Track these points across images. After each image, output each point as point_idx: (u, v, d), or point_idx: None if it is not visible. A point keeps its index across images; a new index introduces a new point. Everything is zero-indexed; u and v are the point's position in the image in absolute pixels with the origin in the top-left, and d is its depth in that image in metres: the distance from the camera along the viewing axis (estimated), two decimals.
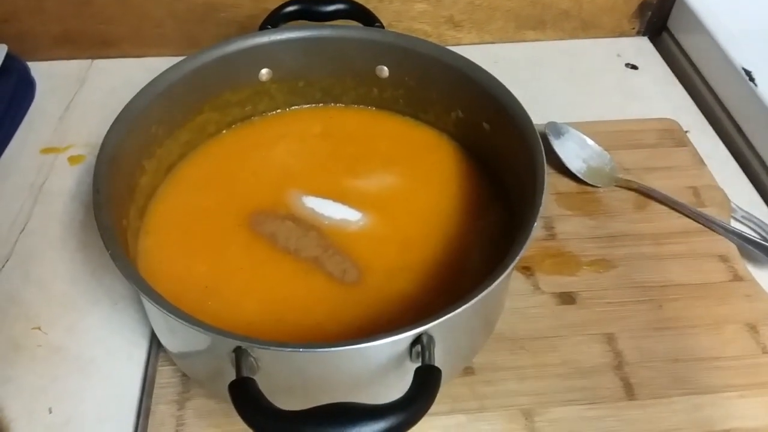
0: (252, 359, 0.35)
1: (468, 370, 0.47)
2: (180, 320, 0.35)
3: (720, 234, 0.56)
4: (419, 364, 0.35)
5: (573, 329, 0.49)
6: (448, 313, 0.35)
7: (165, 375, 0.46)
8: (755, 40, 0.68)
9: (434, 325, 0.35)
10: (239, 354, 0.35)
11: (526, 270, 0.53)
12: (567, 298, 0.51)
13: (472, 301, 0.36)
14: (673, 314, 0.51)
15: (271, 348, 0.34)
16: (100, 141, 0.46)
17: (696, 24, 0.72)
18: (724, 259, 0.54)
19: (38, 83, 0.69)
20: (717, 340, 0.49)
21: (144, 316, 0.50)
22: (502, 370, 0.47)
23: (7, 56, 0.64)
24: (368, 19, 0.57)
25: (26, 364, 0.48)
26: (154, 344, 0.49)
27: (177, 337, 0.42)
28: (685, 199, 0.58)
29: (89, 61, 0.72)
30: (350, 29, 0.56)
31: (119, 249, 0.39)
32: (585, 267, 0.53)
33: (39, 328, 0.50)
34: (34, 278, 0.53)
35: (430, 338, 0.36)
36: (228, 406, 0.34)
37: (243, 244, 0.49)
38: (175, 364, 0.47)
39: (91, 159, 0.62)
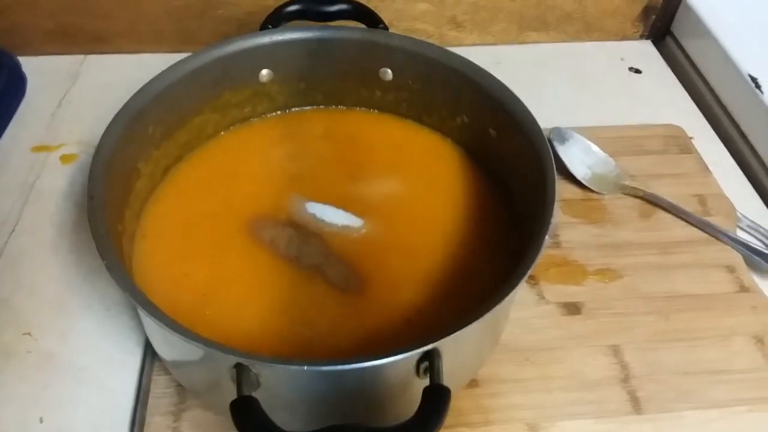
0: (253, 375, 0.34)
1: (472, 383, 0.45)
2: (179, 335, 0.34)
3: (726, 244, 0.55)
4: (426, 381, 0.34)
5: (579, 340, 0.48)
6: (458, 329, 0.34)
7: (160, 385, 0.45)
8: (762, 45, 0.67)
9: (443, 342, 0.34)
10: (240, 370, 0.33)
11: (531, 279, 0.52)
12: (572, 309, 0.50)
13: (483, 317, 0.35)
14: (680, 326, 0.50)
15: (274, 365, 0.33)
16: (93, 139, 0.44)
17: (701, 29, 0.71)
18: (730, 269, 0.53)
19: (29, 79, 0.66)
20: (724, 353, 0.48)
21: (139, 322, 0.49)
22: (506, 382, 0.46)
23: None
24: (372, 20, 0.55)
25: (16, 371, 0.46)
26: (149, 352, 0.47)
27: (174, 349, 0.41)
28: (691, 207, 0.57)
29: (82, 56, 0.71)
30: (353, 30, 0.55)
31: (115, 258, 0.38)
32: (590, 276, 0.52)
33: (29, 334, 0.48)
34: (25, 281, 0.51)
35: (438, 354, 0.34)
36: (226, 418, 0.33)
37: (242, 250, 0.48)
38: (170, 374, 0.45)
39: (83, 158, 0.60)
